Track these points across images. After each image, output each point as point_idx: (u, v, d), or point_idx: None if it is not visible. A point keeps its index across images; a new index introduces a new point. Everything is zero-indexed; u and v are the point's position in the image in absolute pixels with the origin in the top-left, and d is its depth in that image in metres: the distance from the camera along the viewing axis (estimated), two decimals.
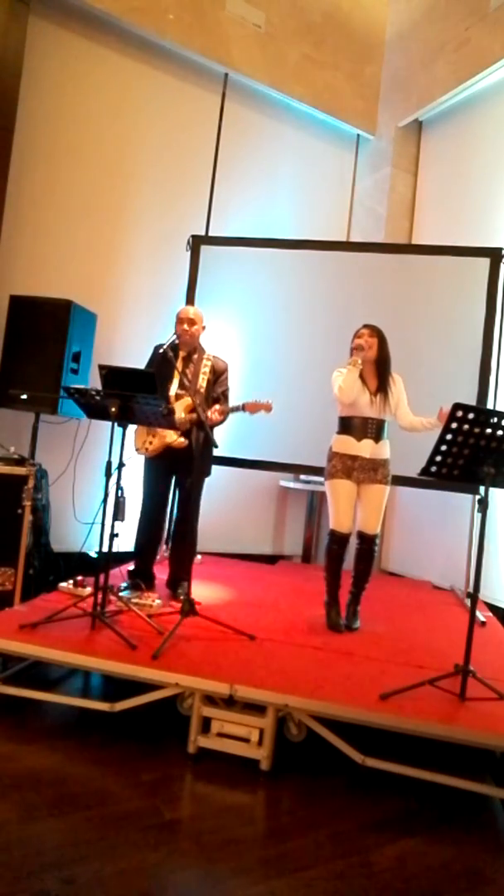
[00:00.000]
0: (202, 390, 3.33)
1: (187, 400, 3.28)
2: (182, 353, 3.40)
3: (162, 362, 3.29)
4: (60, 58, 4.16)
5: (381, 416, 3.09)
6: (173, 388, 3.33)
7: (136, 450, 3.35)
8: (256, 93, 4.88)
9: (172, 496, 3.63)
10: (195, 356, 3.41)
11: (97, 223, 4.37)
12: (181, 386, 3.32)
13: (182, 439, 3.27)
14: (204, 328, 3.46)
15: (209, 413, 3.14)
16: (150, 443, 3.31)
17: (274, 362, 4.32)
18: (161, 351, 3.17)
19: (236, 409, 3.29)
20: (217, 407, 3.23)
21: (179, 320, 3.38)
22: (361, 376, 3.05)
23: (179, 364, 3.38)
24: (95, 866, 1.65)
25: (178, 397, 3.30)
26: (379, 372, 3.10)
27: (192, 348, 3.41)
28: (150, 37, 4.35)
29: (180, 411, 3.23)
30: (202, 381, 3.35)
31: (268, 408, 3.29)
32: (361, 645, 2.91)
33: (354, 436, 3.07)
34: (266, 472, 4.60)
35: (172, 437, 3.26)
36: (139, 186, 4.52)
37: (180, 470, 3.37)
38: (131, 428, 3.21)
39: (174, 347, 3.39)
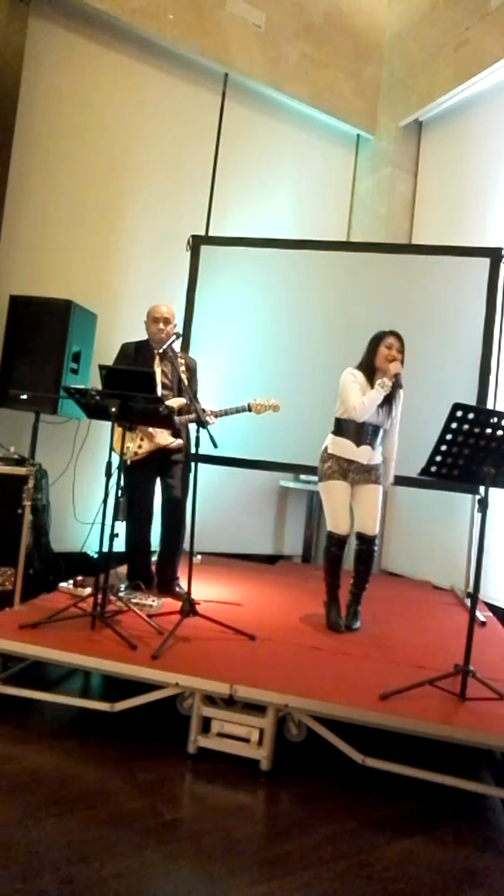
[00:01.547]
0: (188, 390, 3.32)
1: (180, 400, 3.28)
2: (157, 352, 3.37)
3: (136, 361, 3.25)
4: (60, 58, 4.16)
5: (380, 424, 3.08)
6: (158, 389, 3.31)
7: (121, 456, 3.25)
8: (256, 93, 4.88)
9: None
10: (169, 354, 3.34)
11: (97, 223, 4.37)
12: (162, 386, 3.31)
13: (179, 441, 3.27)
14: (175, 326, 3.42)
15: (207, 417, 3.13)
16: (140, 447, 3.28)
17: (274, 362, 4.31)
18: (160, 353, 3.16)
19: (240, 409, 3.28)
20: (210, 411, 3.22)
21: (154, 319, 3.34)
22: (371, 382, 3.01)
23: (157, 363, 3.36)
24: (95, 866, 1.65)
25: (163, 398, 3.30)
26: (392, 384, 3.05)
27: (167, 347, 3.37)
28: (150, 37, 4.35)
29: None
30: (184, 380, 3.32)
31: (276, 407, 3.28)
32: (361, 645, 2.91)
33: (353, 440, 3.05)
34: (266, 472, 4.60)
35: (167, 439, 3.25)
36: (139, 186, 4.52)
37: (165, 470, 3.36)
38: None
39: (146, 345, 3.37)
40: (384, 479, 3.17)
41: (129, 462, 3.28)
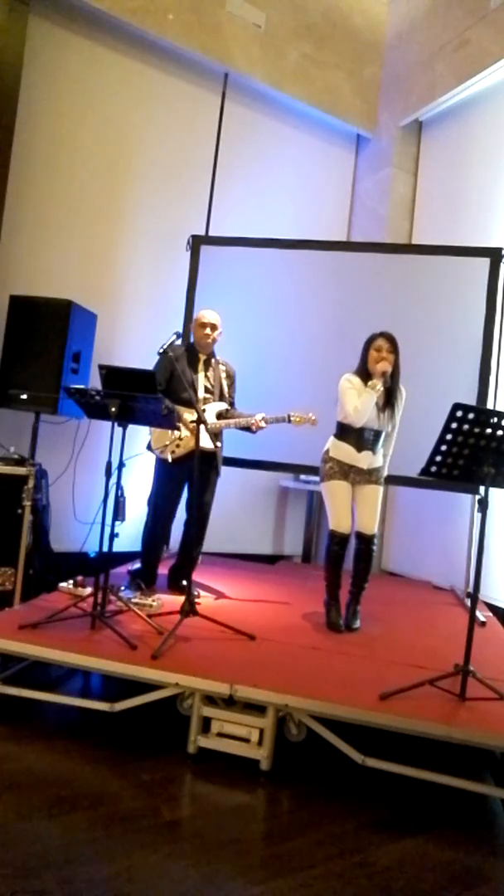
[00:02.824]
0: (227, 395, 3.38)
1: (221, 405, 3.32)
2: (202, 357, 3.41)
3: (176, 365, 3.27)
4: (60, 58, 4.16)
5: (382, 429, 3.09)
6: (200, 392, 3.35)
7: (159, 453, 3.31)
8: (256, 92, 4.88)
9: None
10: (213, 361, 3.44)
11: (97, 223, 4.37)
12: (205, 390, 3.34)
13: (217, 444, 3.30)
14: (221, 332, 3.45)
15: (258, 422, 3.23)
16: (177, 446, 3.29)
17: (274, 362, 4.31)
18: (162, 352, 3.13)
19: (279, 419, 3.31)
20: (261, 423, 3.28)
21: (202, 325, 3.36)
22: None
23: (200, 368, 3.40)
24: (95, 866, 1.65)
25: (204, 401, 3.33)
26: (389, 385, 3.05)
27: (211, 352, 3.42)
28: (150, 37, 4.35)
29: (211, 416, 3.28)
30: (225, 386, 3.40)
31: (313, 422, 3.32)
32: (361, 645, 2.91)
33: (354, 445, 3.06)
34: (266, 472, 4.60)
35: (208, 442, 3.24)
36: (139, 186, 4.52)
37: (193, 473, 3.37)
38: (142, 428, 3.22)
39: (191, 349, 3.39)
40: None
41: (170, 459, 3.29)
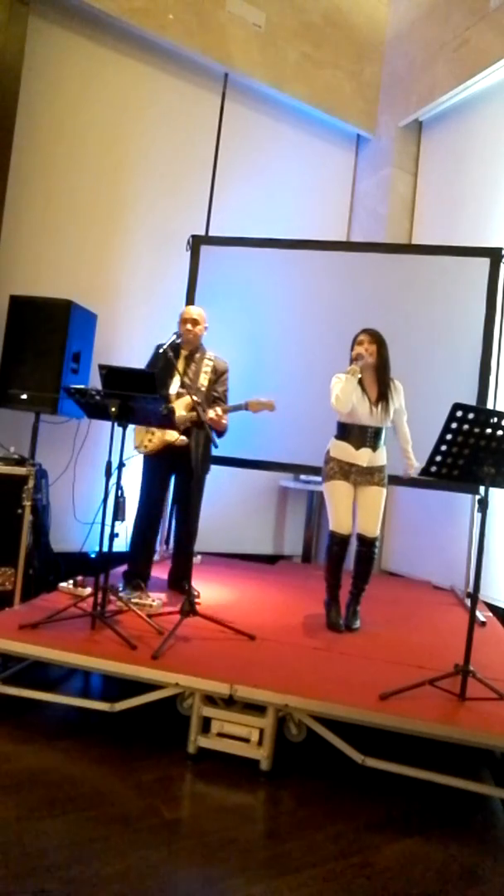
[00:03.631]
0: (203, 389, 3.35)
1: (188, 398, 3.28)
2: (184, 353, 3.42)
3: (163, 362, 3.29)
4: (60, 58, 4.16)
5: (379, 425, 3.08)
6: (174, 387, 3.34)
7: (135, 448, 3.35)
8: (256, 93, 4.88)
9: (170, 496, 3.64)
10: (197, 355, 3.44)
11: (97, 223, 4.37)
12: (182, 385, 3.33)
13: (183, 438, 3.27)
14: (206, 328, 3.48)
15: (210, 414, 3.13)
16: (150, 440, 3.31)
17: (274, 362, 4.32)
18: (161, 351, 3.18)
19: (238, 407, 3.29)
20: (218, 410, 3.20)
21: (183, 320, 3.41)
22: (361, 384, 3.03)
23: (181, 363, 3.40)
24: (95, 866, 1.66)
25: (178, 396, 3.31)
26: (379, 378, 3.07)
27: (195, 348, 3.43)
28: (150, 37, 4.35)
29: (181, 409, 3.23)
30: (203, 381, 3.37)
31: (271, 406, 3.27)
32: (361, 645, 2.91)
33: (352, 443, 3.07)
34: (266, 472, 4.60)
35: (173, 436, 3.27)
36: (139, 186, 4.52)
37: (179, 469, 3.37)
38: (132, 427, 3.21)
39: (175, 347, 3.39)
40: (409, 465, 3.20)
41: (142, 453, 3.34)
